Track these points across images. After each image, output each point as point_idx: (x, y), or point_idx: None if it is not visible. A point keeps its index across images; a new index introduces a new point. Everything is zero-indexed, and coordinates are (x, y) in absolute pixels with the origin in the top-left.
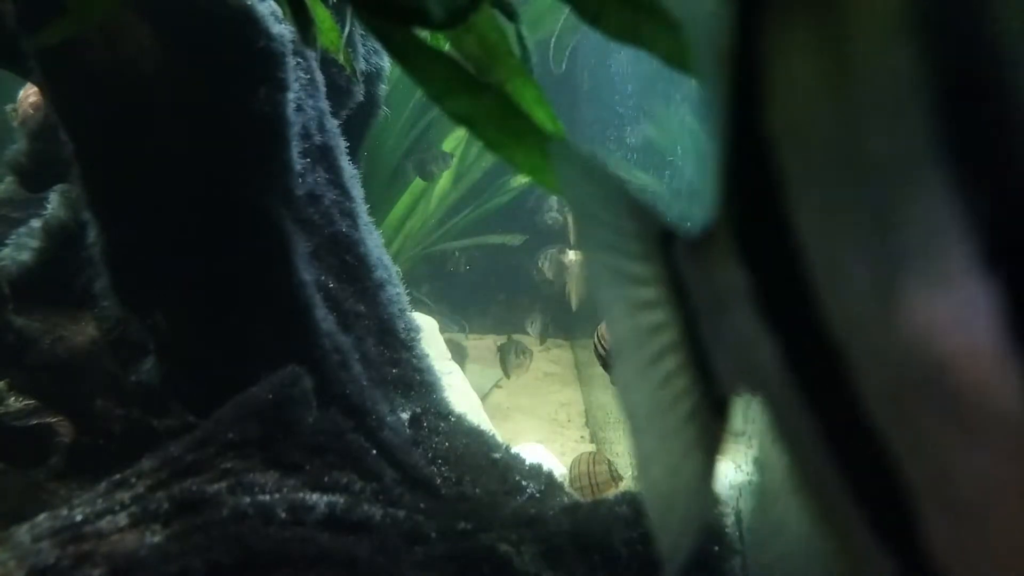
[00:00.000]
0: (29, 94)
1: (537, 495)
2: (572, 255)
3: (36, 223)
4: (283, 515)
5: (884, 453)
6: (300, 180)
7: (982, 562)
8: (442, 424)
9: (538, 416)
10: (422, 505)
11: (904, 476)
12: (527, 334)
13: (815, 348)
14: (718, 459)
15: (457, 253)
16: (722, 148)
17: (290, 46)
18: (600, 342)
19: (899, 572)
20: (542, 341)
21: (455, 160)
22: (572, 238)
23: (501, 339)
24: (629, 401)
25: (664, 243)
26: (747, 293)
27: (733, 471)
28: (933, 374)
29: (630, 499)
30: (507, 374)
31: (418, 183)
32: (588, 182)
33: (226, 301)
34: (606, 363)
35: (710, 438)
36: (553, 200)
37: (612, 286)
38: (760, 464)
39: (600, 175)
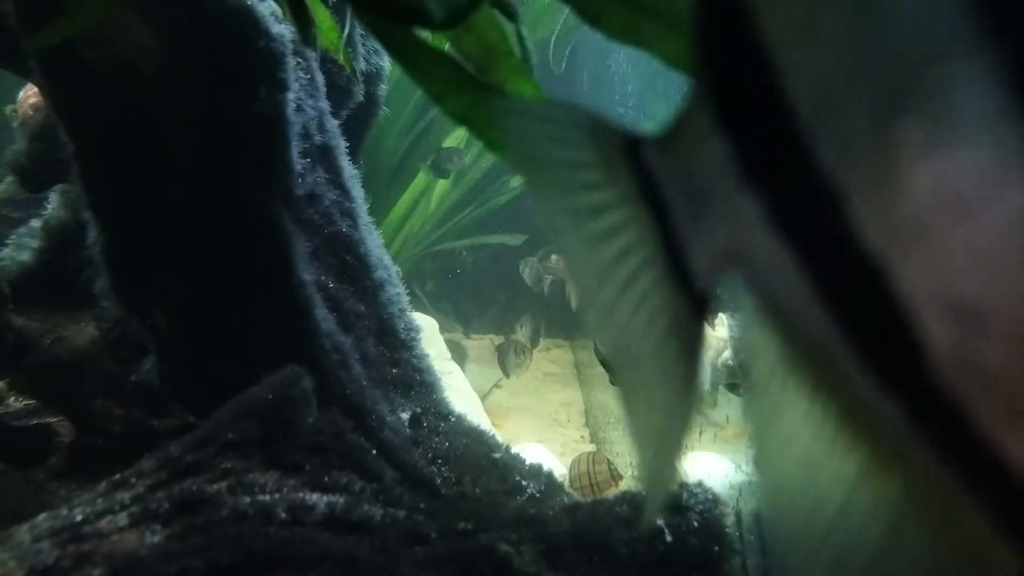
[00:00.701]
0: (29, 94)
1: (537, 495)
2: None
3: (36, 223)
4: (283, 515)
5: (886, 287)
6: (300, 180)
7: (993, 376)
8: (442, 424)
9: (538, 416)
10: (422, 505)
11: (908, 301)
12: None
13: (808, 196)
14: (703, 366)
15: (464, 252)
16: (694, 11)
17: (290, 46)
18: None
19: (909, 417)
20: (533, 345)
21: None
22: None
23: (500, 339)
24: (606, 342)
25: (630, 152)
26: (730, 161)
27: (733, 471)
28: (935, 177)
29: (630, 499)
30: (507, 374)
31: (418, 183)
32: (538, 128)
33: (226, 301)
34: (606, 362)
35: (692, 346)
36: None
37: (573, 227)
38: (749, 356)
39: (550, 116)
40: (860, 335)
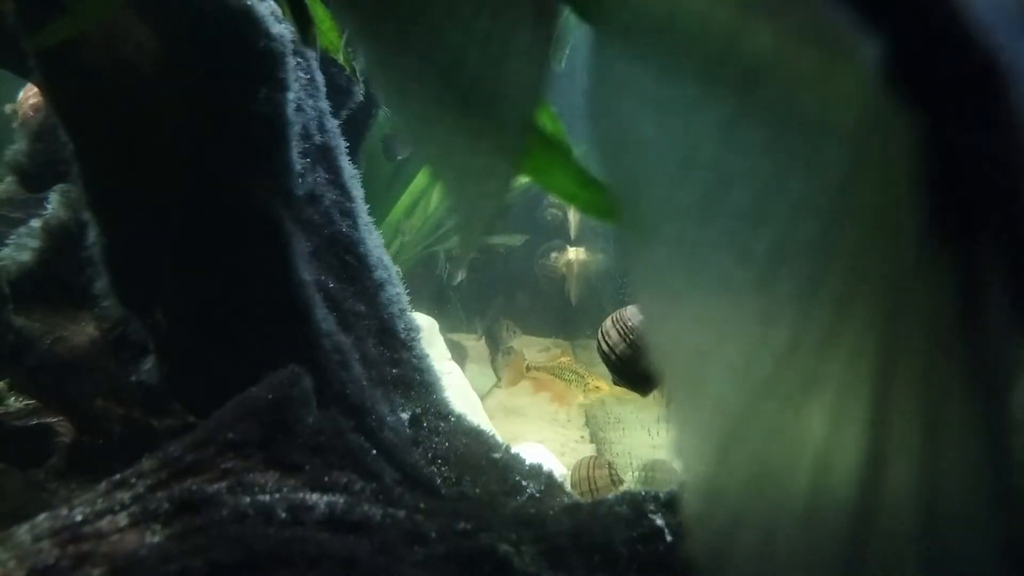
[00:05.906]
0: (29, 94)
1: (537, 495)
2: (572, 252)
3: (36, 223)
4: (283, 515)
5: None
6: (300, 180)
7: None
8: (442, 424)
9: (538, 416)
10: (422, 505)
11: None
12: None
13: None
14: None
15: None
16: None
17: (290, 46)
18: (604, 338)
19: None
20: (496, 339)
21: None
22: (572, 234)
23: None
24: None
25: None
26: None
27: None
28: None
29: (630, 499)
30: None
31: (418, 183)
32: None
33: (226, 301)
34: (608, 359)
35: (548, 35)
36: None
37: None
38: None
39: None
40: None
